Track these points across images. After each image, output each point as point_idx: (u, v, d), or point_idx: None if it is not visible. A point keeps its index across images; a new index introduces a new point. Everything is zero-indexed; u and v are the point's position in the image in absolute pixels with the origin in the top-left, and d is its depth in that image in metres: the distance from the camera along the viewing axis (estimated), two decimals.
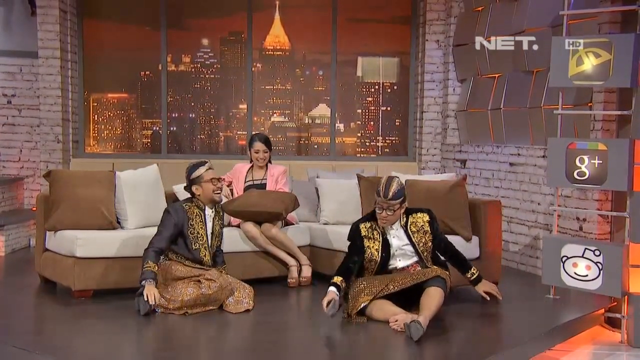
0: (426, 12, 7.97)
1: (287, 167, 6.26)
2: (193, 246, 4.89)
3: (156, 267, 4.74)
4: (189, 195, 5.06)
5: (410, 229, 4.72)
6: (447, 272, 4.68)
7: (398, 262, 4.73)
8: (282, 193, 5.82)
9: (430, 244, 4.73)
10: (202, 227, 4.95)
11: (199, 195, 4.96)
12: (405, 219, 4.74)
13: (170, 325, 4.51)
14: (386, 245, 4.71)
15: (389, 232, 4.72)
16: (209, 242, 4.99)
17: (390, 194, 4.58)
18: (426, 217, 4.76)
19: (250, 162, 6.05)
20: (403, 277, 4.56)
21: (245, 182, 5.96)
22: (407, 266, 4.73)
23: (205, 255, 4.93)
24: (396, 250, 4.72)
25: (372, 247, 4.70)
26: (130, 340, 4.40)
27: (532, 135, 6.61)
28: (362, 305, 4.49)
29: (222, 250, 5.21)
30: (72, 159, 8.03)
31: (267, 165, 6.02)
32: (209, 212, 5.02)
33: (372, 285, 4.54)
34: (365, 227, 4.74)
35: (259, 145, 5.97)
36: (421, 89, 8.11)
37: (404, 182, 5.71)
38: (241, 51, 8.54)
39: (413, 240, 4.71)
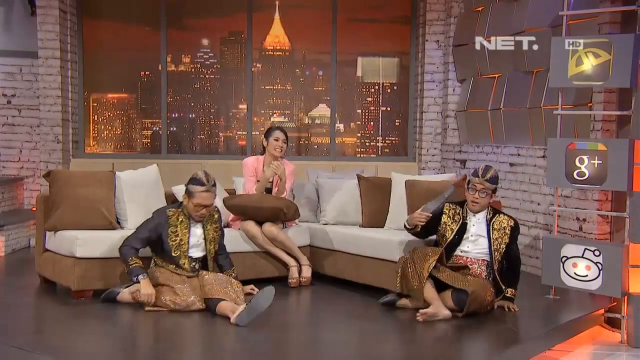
0: (426, 12, 7.97)
1: (294, 166, 6.05)
2: (173, 253, 4.88)
3: (141, 261, 4.80)
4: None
5: (493, 226, 4.95)
6: (489, 293, 4.78)
7: (466, 247, 4.95)
8: (283, 197, 5.79)
9: (504, 246, 4.92)
10: (185, 234, 4.91)
11: (185, 204, 4.94)
12: (492, 214, 4.99)
13: (170, 325, 4.51)
14: (462, 230, 4.94)
15: (470, 219, 4.97)
16: (204, 247, 4.98)
17: (488, 175, 4.90)
18: (512, 222, 4.99)
19: (262, 154, 5.92)
20: (449, 275, 4.76)
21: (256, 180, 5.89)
22: (469, 257, 4.93)
23: (184, 264, 4.89)
24: (471, 235, 4.95)
25: (449, 226, 5.00)
26: (129, 340, 4.41)
27: (532, 135, 6.61)
28: (431, 266, 4.69)
29: (227, 254, 5.23)
30: (72, 159, 8.03)
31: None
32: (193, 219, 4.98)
33: (434, 252, 4.79)
34: (450, 207, 5.05)
35: (279, 134, 5.84)
36: (421, 89, 8.11)
37: (404, 182, 5.74)
38: (241, 51, 8.54)
39: (491, 235, 4.91)
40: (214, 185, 4.93)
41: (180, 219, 4.93)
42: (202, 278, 4.81)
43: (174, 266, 4.88)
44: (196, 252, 4.97)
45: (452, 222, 5.00)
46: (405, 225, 5.15)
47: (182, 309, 4.67)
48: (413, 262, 4.75)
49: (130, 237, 4.88)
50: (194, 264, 4.94)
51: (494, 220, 4.96)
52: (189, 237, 4.92)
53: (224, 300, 4.62)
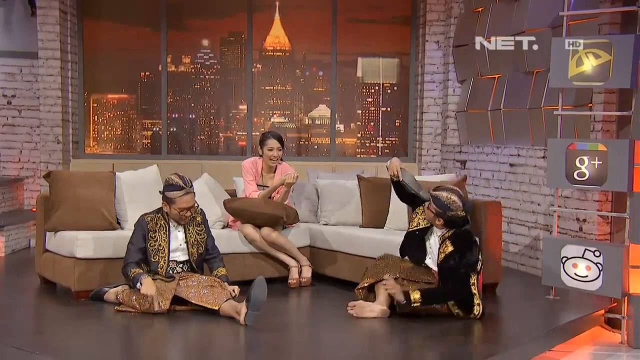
0: (426, 12, 7.97)
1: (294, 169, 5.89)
2: (152, 259, 4.83)
3: (141, 269, 4.75)
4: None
5: (442, 248, 4.71)
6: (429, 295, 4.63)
7: (428, 261, 4.83)
8: (284, 204, 5.78)
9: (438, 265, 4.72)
10: (164, 239, 4.86)
11: (166, 212, 4.89)
12: (442, 240, 4.71)
13: (169, 326, 4.51)
14: (424, 232, 4.84)
15: (433, 229, 4.81)
16: (187, 251, 4.91)
17: (432, 193, 4.70)
18: (448, 249, 4.64)
19: (260, 157, 5.89)
20: (407, 275, 4.73)
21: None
22: (435, 272, 4.79)
23: (162, 268, 4.82)
24: (430, 247, 4.83)
25: (420, 217, 4.89)
26: (129, 341, 4.41)
27: (532, 135, 6.60)
28: (366, 284, 4.77)
29: (219, 256, 5.09)
30: (72, 159, 8.03)
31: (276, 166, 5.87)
32: (174, 223, 4.92)
33: (385, 268, 4.75)
34: (425, 207, 4.86)
35: (273, 142, 5.77)
36: (421, 89, 8.11)
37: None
38: (241, 52, 8.54)
39: (438, 256, 4.71)
40: (192, 185, 4.88)
41: (159, 224, 4.89)
42: (185, 280, 4.78)
43: (153, 273, 4.82)
44: (180, 256, 4.92)
45: (423, 219, 4.87)
46: (386, 165, 5.12)
47: (145, 309, 4.64)
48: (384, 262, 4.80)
49: (126, 256, 4.83)
50: (177, 267, 4.89)
51: (442, 243, 4.71)
52: (169, 242, 4.88)
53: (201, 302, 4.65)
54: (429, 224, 4.84)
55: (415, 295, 4.53)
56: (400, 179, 5.01)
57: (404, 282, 4.66)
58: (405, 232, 5.01)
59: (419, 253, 4.87)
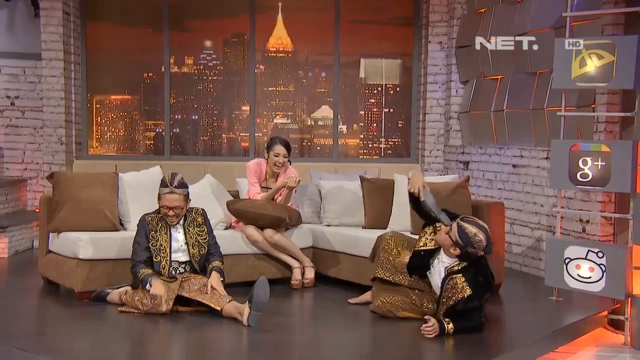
0: (429, 13, 7.97)
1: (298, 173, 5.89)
2: (154, 258, 4.84)
3: (150, 270, 4.76)
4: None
5: (448, 281, 4.46)
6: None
7: (430, 277, 4.66)
8: (287, 206, 5.79)
9: (451, 304, 4.43)
10: (165, 239, 4.87)
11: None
12: (450, 271, 4.46)
13: (172, 327, 4.51)
14: (431, 253, 4.61)
15: (440, 253, 4.57)
16: (188, 252, 4.90)
17: (460, 223, 4.39)
18: (466, 292, 4.37)
19: (265, 160, 5.91)
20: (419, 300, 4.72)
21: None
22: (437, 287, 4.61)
23: (164, 268, 4.83)
24: (432, 267, 4.60)
25: (426, 240, 4.64)
26: (132, 342, 4.41)
27: (535, 136, 6.60)
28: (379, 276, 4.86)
29: (219, 253, 5.03)
30: (75, 160, 8.04)
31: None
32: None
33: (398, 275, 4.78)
34: (436, 228, 4.64)
35: (279, 149, 5.79)
36: (424, 90, 8.11)
37: (407, 183, 5.71)
38: (244, 53, 8.55)
39: (443, 287, 4.48)
40: (180, 187, 4.85)
41: (160, 224, 4.90)
42: (187, 281, 4.79)
43: (154, 271, 4.82)
44: (181, 257, 4.92)
45: (430, 239, 4.64)
46: (408, 177, 4.85)
47: (148, 309, 4.65)
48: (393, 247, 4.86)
49: (133, 255, 4.84)
50: (179, 268, 4.89)
51: (450, 277, 4.44)
52: (170, 242, 4.89)
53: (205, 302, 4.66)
54: (437, 246, 4.61)
55: (449, 326, 4.35)
56: (422, 199, 4.69)
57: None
58: (413, 250, 4.77)
59: (421, 270, 4.68)
